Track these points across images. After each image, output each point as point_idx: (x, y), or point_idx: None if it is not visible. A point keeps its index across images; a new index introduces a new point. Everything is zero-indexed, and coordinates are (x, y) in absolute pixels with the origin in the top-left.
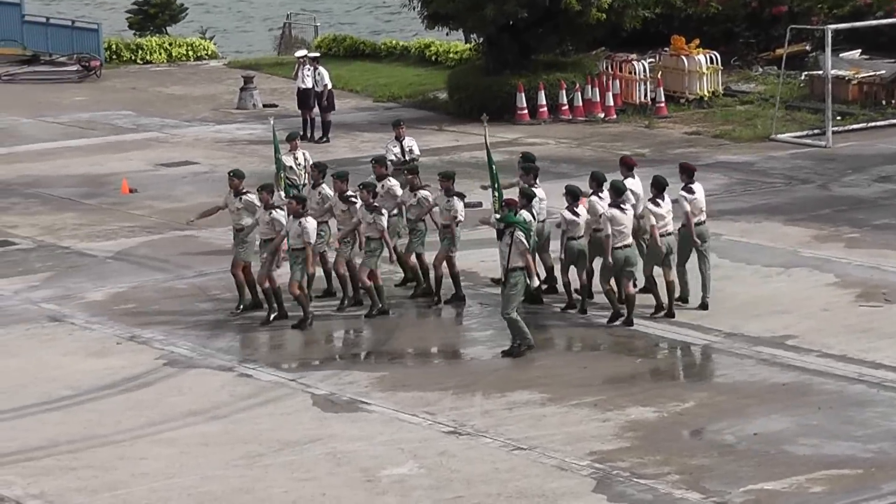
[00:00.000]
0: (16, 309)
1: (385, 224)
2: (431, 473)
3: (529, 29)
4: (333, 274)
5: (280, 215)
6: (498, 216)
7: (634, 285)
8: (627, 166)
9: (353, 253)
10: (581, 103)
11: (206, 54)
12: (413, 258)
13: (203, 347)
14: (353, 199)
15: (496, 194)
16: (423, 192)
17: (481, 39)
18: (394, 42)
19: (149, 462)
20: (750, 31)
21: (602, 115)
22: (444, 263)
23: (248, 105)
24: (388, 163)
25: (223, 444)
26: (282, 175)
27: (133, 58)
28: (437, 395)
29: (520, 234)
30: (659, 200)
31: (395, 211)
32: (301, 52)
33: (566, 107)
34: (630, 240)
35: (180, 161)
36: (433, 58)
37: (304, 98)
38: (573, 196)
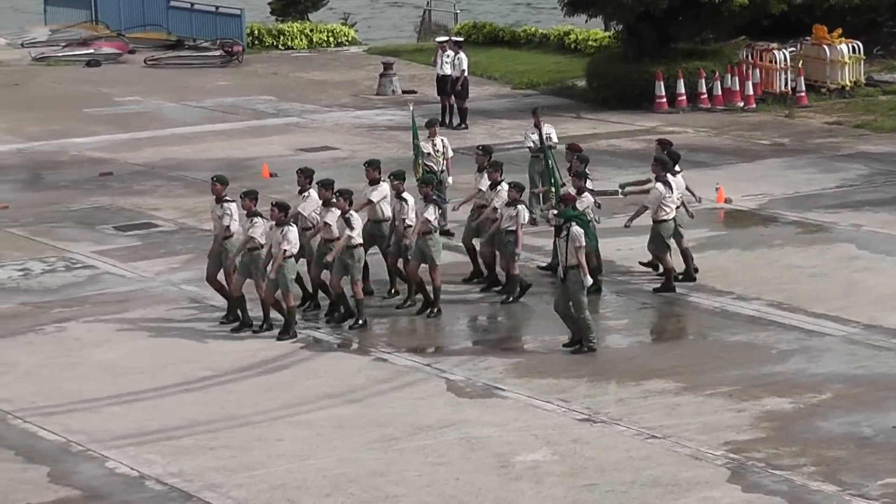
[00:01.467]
0: (157, 290)
1: (357, 232)
2: (565, 460)
3: (669, 17)
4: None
5: (261, 223)
6: (555, 212)
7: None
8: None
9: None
10: (720, 92)
11: (347, 40)
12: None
13: (340, 331)
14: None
15: (553, 190)
16: (406, 197)
17: (621, 27)
18: (533, 29)
19: (285, 443)
20: (894, 21)
21: (741, 105)
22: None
23: (388, 91)
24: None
25: (358, 427)
26: (420, 161)
27: (274, 43)
28: (571, 383)
29: (577, 230)
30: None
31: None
32: (441, 38)
33: (705, 95)
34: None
35: (320, 146)
36: (572, 45)
37: (443, 84)
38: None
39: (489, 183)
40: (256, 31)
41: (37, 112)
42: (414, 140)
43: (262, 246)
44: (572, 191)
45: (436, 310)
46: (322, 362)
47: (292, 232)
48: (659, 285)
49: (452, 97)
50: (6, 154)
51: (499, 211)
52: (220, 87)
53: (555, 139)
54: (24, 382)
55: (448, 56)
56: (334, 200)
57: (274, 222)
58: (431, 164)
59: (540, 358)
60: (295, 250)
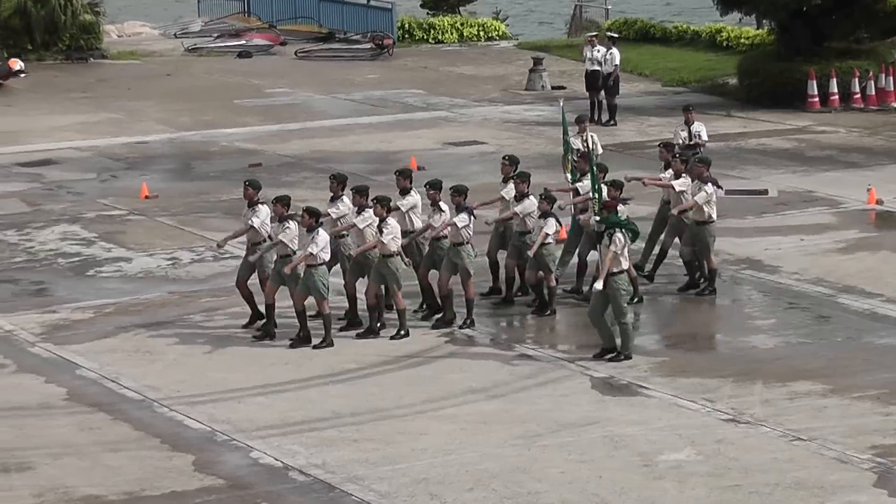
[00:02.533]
0: None
1: (391, 240)
2: (709, 461)
3: (823, 15)
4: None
5: (293, 228)
6: (598, 218)
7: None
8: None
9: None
10: (874, 92)
11: (497, 35)
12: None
13: (484, 326)
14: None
15: (595, 196)
16: (443, 207)
17: (773, 25)
18: (685, 26)
19: (428, 437)
20: None
21: (895, 105)
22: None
23: (537, 86)
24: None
25: (501, 423)
26: (569, 157)
27: (425, 37)
28: (716, 383)
29: (619, 237)
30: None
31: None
32: (591, 33)
33: (858, 95)
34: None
35: (468, 140)
36: (724, 43)
37: (593, 80)
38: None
39: (514, 194)
40: (407, 25)
41: (188, 102)
42: (564, 136)
43: (294, 252)
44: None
45: (469, 321)
46: (466, 357)
47: (322, 238)
48: (687, 284)
49: (602, 93)
50: (157, 144)
51: (528, 224)
52: (369, 80)
53: (705, 137)
54: (172, 371)
55: (599, 51)
56: (370, 206)
57: (305, 228)
58: (580, 161)
59: (685, 357)
60: (325, 257)
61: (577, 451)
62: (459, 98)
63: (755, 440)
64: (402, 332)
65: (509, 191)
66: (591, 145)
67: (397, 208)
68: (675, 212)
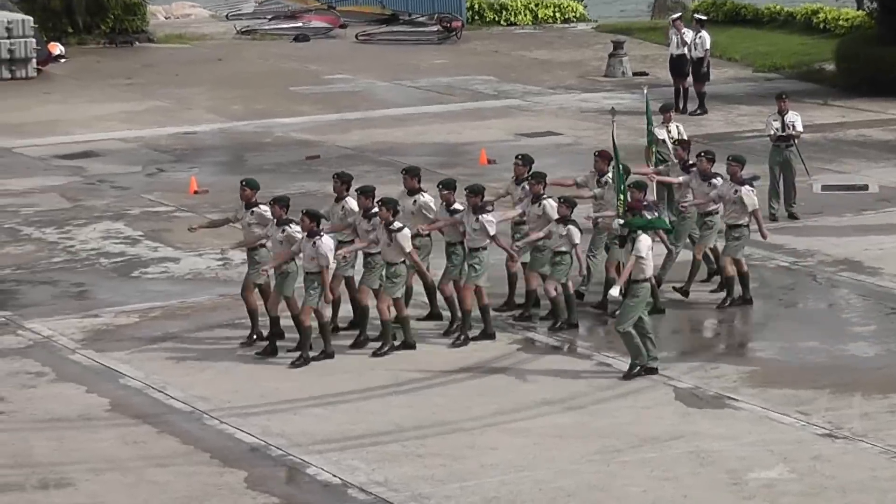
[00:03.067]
0: None
1: (407, 246)
2: (803, 479)
3: None
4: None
5: (295, 232)
6: (621, 221)
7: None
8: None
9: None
10: None
11: (574, 17)
12: (450, 287)
13: (560, 334)
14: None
15: (621, 196)
16: (459, 208)
17: (875, 6)
18: (778, 7)
19: (499, 452)
20: None
21: None
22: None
23: (617, 73)
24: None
25: (578, 437)
26: (653, 149)
27: (496, 19)
28: (811, 394)
29: (645, 241)
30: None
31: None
32: (675, 15)
33: None
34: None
35: (542, 131)
36: (821, 25)
37: (678, 66)
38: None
39: (530, 196)
40: (477, 6)
41: (240, 90)
42: (648, 126)
43: (292, 258)
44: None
45: (463, 337)
46: (540, 366)
47: (325, 244)
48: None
49: (688, 80)
50: (207, 134)
51: (548, 229)
52: (436, 66)
53: (799, 128)
54: (222, 380)
55: (685, 34)
56: (375, 210)
57: (305, 233)
58: (665, 152)
59: (777, 366)
60: (331, 265)
61: (661, 468)
62: (533, 85)
63: (853, 457)
64: (385, 349)
65: (519, 193)
66: (676, 136)
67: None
68: (686, 205)
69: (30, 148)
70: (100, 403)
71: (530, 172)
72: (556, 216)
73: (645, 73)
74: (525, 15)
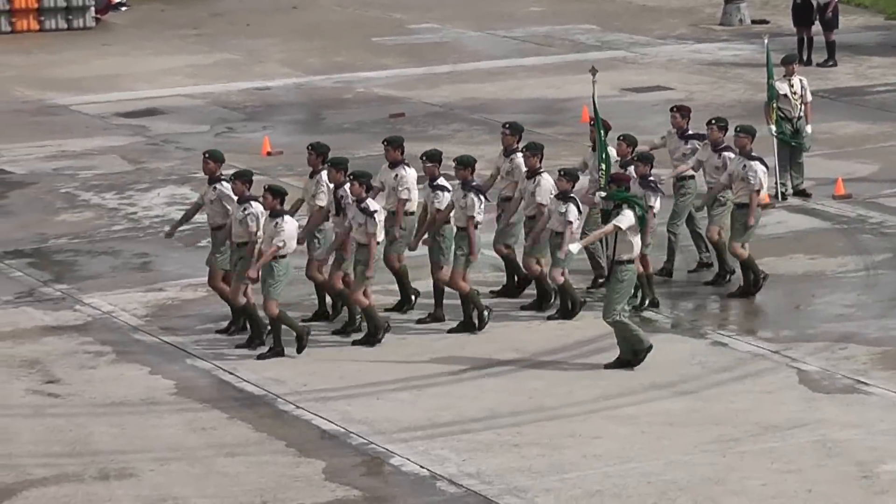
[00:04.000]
0: None
1: (377, 228)
2: None
3: None
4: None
5: (257, 210)
6: (603, 194)
7: None
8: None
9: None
10: None
11: None
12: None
13: (672, 310)
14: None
15: (603, 167)
16: (443, 184)
17: None
18: None
19: (603, 442)
20: None
21: None
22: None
23: (734, 20)
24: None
25: (690, 425)
26: (774, 105)
27: None
28: None
29: (628, 214)
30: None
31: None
32: None
33: None
34: None
35: (650, 86)
36: None
37: (802, 13)
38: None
39: (525, 171)
40: None
41: (318, 41)
42: (768, 80)
43: (255, 240)
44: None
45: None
46: None
47: (289, 224)
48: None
49: (811, 28)
50: (282, 90)
51: (547, 208)
52: (532, 14)
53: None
54: (299, 361)
55: None
56: (348, 185)
57: (268, 211)
58: (787, 109)
59: None
60: (291, 248)
61: (783, 459)
62: (640, 35)
63: None
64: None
65: (509, 165)
66: (799, 91)
67: (380, 187)
68: (672, 175)
69: (88, 105)
70: (164, 386)
71: (520, 143)
72: (553, 192)
73: (765, 21)
74: None
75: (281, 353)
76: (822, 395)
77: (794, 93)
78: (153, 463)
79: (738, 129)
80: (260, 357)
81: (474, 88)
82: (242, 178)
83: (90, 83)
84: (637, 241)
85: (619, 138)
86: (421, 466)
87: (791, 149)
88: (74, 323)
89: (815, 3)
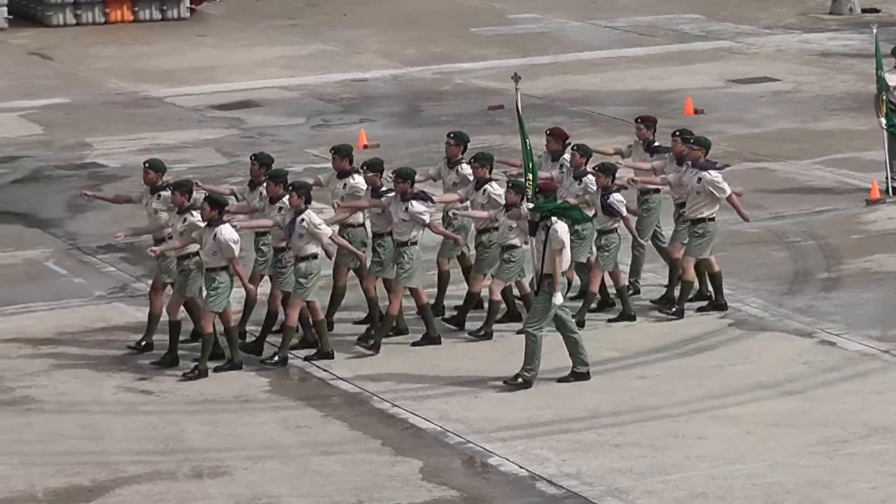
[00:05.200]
0: None
1: (323, 236)
2: None
3: None
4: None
5: (197, 221)
6: (531, 205)
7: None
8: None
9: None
10: None
11: None
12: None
13: (777, 306)
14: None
15: (530, 175)
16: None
17: None
18: None
19: (707, 442)
20: None
21: None
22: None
23: (844, 9)
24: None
25: (797, 426)
26: (883, 97)
27: None
28: None
29: (559, 229)
30: None
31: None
32: None
33: None
34: None
35: (757, 77)
36: None
37: None
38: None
39: (473, 182)
40: None
41: (415, 31)
42: (877, 71)
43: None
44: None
45: (372, 343)
46: (754, 344)
47: (227, 233)
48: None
49: None
50: (379, 81)
51: (500, 220)
52: (636, 3)
53: None
54: (394, 358)
55: None
56: (287, 197)
57: (206, 223)
58: None
59: None
60: (232, 255)
61: (893, 462)
62: (747, 24)
63: None
64: (276, 359)
65: (454, 177)
66: None
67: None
68: (635, 180)
69: (182, 97)
70: (258, 384)
71: (466, 153)
72: (502, 203)
73: (876, 10)
74: None
75: (239, 367)
76: None
77: None
78: (247, 461)
79: (693, 140)
80: (217, 369)
81: (575, 80)
82: (181, 189)
83: (184, 75)
84: (567, 254)
85: (572, 149)
86: (520, 466)
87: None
88: (166, 318)
89: None
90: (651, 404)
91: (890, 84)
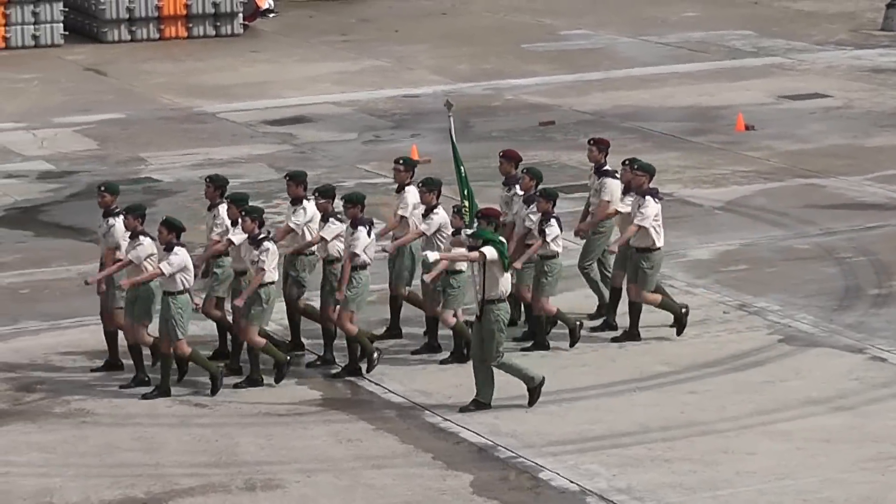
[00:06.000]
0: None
1: (268, 264)
2: None
3: None
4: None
5: (148, 245)
6: (469, 231)
7: None
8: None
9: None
10: None
11: None
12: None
13: (828, 322)
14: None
15: (467, 202)
16: (335, 221)
17: None
18: None
19: (757, 458)
20: None
21: None
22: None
23: (895, 26)
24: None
25: (848, 442)
26: None
27: None
28: None
29: (486, 252)
30: None
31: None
32: None
33: None
34: None
35: (808, 93)
36: None
37: None
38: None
39: (422, 208)
40: None
41: (467, 47)
42: None
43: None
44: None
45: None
46: (805, 360)
47: (179, 257)
48: (620, 333)
49: None
50: (431, 98)
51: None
52: (687, 19)
53: None
54: (445, 372)
55: None
56: (241, 223)
57: (163, 246)
58: None
59: None
60: (187, 280)
61: None
62: (798, 41)
63: None
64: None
65: (407, 204)
66: None
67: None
68: (614, 248)
69: (236, 113)
70: (311, 397)
71: (414, 178)
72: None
73: None
74: None
75: (167, 394)
76: None
77: None
78: (299, 474)
79: (637, 167)
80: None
81: (626, 95)
82: (135, 213)
83: (238, 90)
84: (505, 280)
85: (523, 171)
86: (570, 481)
87: None
88: (214, 332)
89: None
90: (701, 419)
91: None
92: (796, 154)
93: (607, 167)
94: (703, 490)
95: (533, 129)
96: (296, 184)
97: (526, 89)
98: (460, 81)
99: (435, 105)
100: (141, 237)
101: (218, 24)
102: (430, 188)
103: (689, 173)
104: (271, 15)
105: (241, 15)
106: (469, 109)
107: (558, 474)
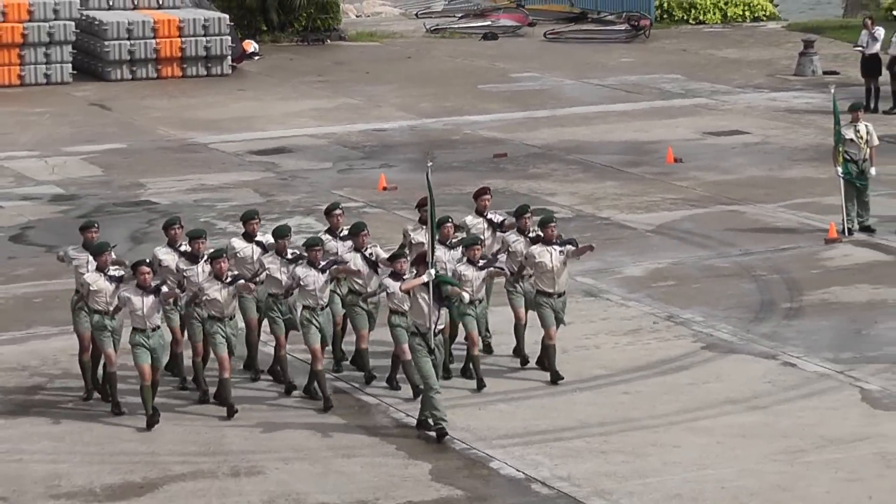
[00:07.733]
0: None
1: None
2: None
3: None
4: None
5: (112, 277)
6: (433, 271)
7: None
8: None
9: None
10: None
11: (765, 15)
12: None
13: (745, 332)
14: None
15: (434, 245)
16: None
17: None
18: None
19: (682, 451)
20: None
21: None
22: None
23: (807, 71)
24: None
25: (762, 437)
26: (840, 149)
27: (685, 17)
28: None
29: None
30: None
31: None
32: (869, 13)
33: None
34: None
35: (730, 130)
36: None
37: (871, 65)
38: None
39: (354, 249)
40: (666, 4)
41: (430, 87)
42: (835, 126)
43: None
44: None
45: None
46: (725, 365)
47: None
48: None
49: (878, 80)
50: (397, 132)
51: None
52: (623, 64)
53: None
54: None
55: (877, 32)
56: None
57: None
58: (853, 152)
59: None
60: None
61: (845, 470)
62: (721, 84)
63: None
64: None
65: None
66: (865, 136)
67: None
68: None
69: (225, 143)
70: (290, 396)
71: (344, 222)
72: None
73: (835, 73)
74: (714, 13)
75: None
76: (883, 411)
77: (861, 137)
78: (279, 462)
79: (548, 221)
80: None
81: (570, 131)
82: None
83: (227, 124)
84: (444, 313)
85: (445, 221)
86: (517, 470)
87: (857, 189)
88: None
89: (881, 57)
90: (633, 416)
91: (846, 137)
92: (719, 184)
93: (503, 218)
94: (634, 478)
95: (488, 161)
96: (245, 221)
97: (482, 125)
98: (424, 117)
99: (401, 138)
100: (118, 268)
101: (209, 65)
102: (358, 231)
103: (625, 200)
104: (256, 57)
105: (229, 57)
106: (431, 142)
107: (506, 464)
